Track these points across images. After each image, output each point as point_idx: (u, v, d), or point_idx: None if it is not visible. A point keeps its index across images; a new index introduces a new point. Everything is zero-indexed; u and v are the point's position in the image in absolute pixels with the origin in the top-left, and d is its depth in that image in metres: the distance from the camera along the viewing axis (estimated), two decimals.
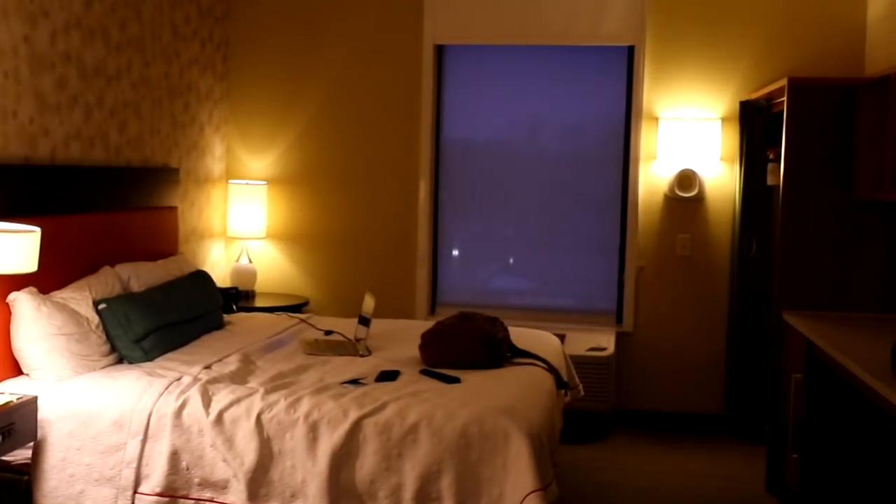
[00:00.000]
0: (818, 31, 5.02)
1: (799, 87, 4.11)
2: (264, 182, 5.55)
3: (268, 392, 3.17)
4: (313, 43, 5.51)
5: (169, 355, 3.69)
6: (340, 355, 3.83)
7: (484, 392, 3.24)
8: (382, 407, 3.06)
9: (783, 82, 4.21)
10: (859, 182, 3.98)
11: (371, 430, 2.99)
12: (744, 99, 5.04)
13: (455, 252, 5.61)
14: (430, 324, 3.91)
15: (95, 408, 3.13)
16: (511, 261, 5.57)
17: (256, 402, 3.10)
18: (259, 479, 3.01)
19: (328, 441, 2.99)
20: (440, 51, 5.49)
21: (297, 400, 3.10)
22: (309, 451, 3.00)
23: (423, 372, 3.53)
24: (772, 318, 4.31)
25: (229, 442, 3.04)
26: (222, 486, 3.04)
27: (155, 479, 3.05)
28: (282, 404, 3.08)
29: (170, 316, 3.83)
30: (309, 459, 3.00)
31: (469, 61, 5.48)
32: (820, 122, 4.11)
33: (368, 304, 4.03)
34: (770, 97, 4.79)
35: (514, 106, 5.46)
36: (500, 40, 5.34)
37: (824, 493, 3.77)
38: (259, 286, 5.55)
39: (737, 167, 5.06)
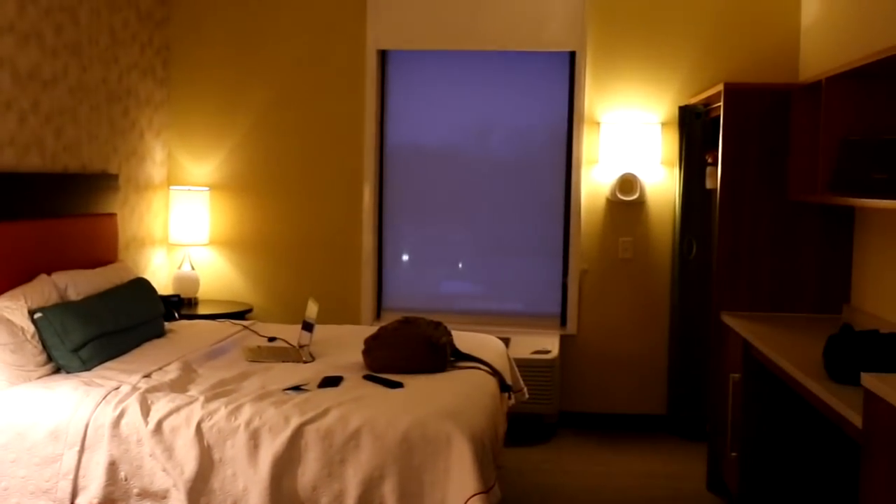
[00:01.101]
0: (754, 38, 5.12)
1: (735, 93, 4.19)
2: (207, 188, 5.49)
3: (208, 400, 3.14)
4: (256, 48, 5.48)
5: (107, 364, 3.63)
6: (283, 362, 3.81)
7: (427, 397, 3.25)
8: (324, 413, 3.05)
9: (720, 87, 4.28)
10: (794, 185, 4.07)
11: (313, 436, 2.98)
12: (682, 104, 5.12)
13: (404, 257, 5.61)
14: (374, 329, 3.91)
15: (30, 419, 3.07)
16: (460, 265, 5.58)
17: (196, 411, 3.07)
18: (200, 488, 2.98)
19: (270, 448, 2.97)
20: (384, 56, 5.49)
21: (238, 407, 3.08)
22: (250, 458, 2.98)
23: (367, 377, 3.52)
24: (711, 320, 4.38)
25: (169, 451, 3.00)
26: (162, 496, 3.00)
27: (92, 490, 3.01)
28: (222, 412, 3.06)
29: (108, 324, 3.77)
30: (250, 467, 2.97)
31: (415, 67, 5.49)
32: (755, 126, 4.19)
33: (312, 309, 4.01)
34: (708, 102, 4.88)
35: (460, 111, 5.48)
36: (442, 45, 5.36)
37: (762, 490, 3.84)
38: (202, 293, 5.49)
39: (677, 171, 5.14)
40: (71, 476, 3.01)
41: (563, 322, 5.41)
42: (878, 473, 2.22)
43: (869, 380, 2.24)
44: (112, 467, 3.02)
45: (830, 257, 4.17)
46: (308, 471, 2.96)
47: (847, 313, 4.12)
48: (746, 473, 3.84)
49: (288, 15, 5.45)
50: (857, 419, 2.42)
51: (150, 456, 3.01)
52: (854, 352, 2.78)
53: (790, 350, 3.30)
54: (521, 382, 4.36)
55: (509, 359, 4.29)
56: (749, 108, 4.19)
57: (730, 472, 4.00)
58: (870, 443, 2.28)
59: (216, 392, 3.25)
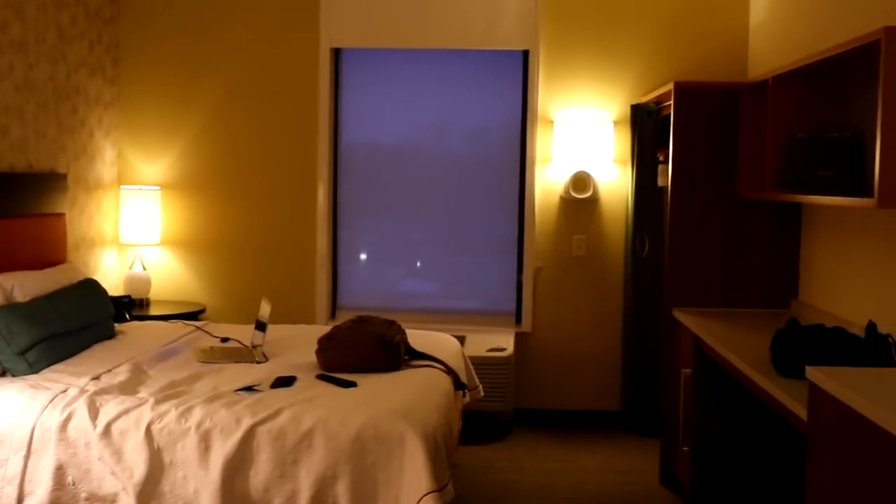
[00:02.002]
0: (704, 37, 5.18)
1: (684, 91, 4.24)
2: (158, 187, 5.43)
3: (158, 402, 3.10)
4: (207, 46, 5.42)
5: (55, 367, 3.57)
6: (236, 362, 3.78)
7: (380, 395, 3.24)
8: (277, 413, 3.03)
9: (670, 86, 4.33)
10: (742, 182, 4.12)
11: (265, 437, 2.96)
12: (634, 102, 5.16)
13: (362, 256, 5.59)
14: (328, 328, 3.89)
15: None
16: (418, 264, 5.57)
17: (146, 413, 3.03)
18: (149, 492, 2.94)
19: (221, 450, 2.94)
20: (338, 54, 5.47)
21: (189, 409, 3.05)
22: (201, 460, 2.95)
23: (320, 377, 3.51)
24: (663, 316, 4.43)
25: (118, 454, 2.97)
26: (111, 500, 2.96)
27: (39, 495, 2.96)
28: (173, 414, 3.03)
29: (56, 326, 3.71)
30: (201, 469, 2.95)
31: (370, 65, 5.47)
32: (705, 124, 4.24)
33: (265, 309, 3.98)
34: (659, 100, 4.93)
35: (416, 109, 5.47)
36: (396, 44, 5.35)
37: (714, 484, 3.89)
38: (154, 294, 5.43)
39: (629, 169, 5.18)
40: (17, 481, 2.96)
41: (519, 320, 5.43)
42: (823, 464, 2.26)
43: (813, 373, 2.28)
44: (59, 472, 2.97)
45: (779, 253, 4.24)
46: (260, 472, 2.94)
47: (795, 308, 4.19)
48: (698, 467, 3.88)
49: (240, 13, 5.40)
50: (802, 412, 2.46)
51: (99, 459, 2.97)
52: (800, 346, 2.82)
53: (739, 345, 3.35)
54: (477, 380, 4.37)
55: (464, 357, 4.30)
56: (699, 107, 4.23)
57: (682, 467, 4.05)
58: (815, 435, 2.32)
59: (167, 394, 3.21)
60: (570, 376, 5.38)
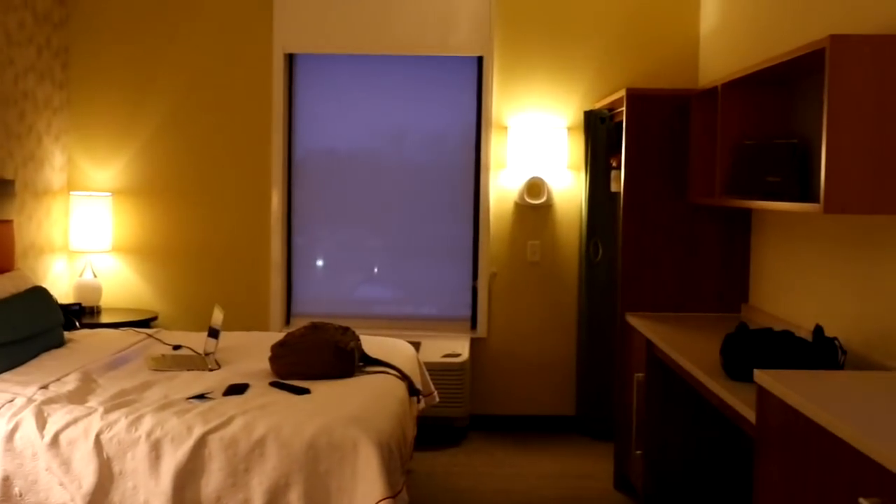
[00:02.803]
0: (656, 45, 5.24)
1: (636, 98, 4.28)
2: (109, 193, 5.36)
3: (108, 411, 3.06)
4: (159, 51, 5.37)
5: (2, 376, 3.50)
6: (188, 370, 3.74)
7: (333, 402, 3.22)
8: (229, 421, 3.01)
9: (622, 93, 4.37)
10: (693, 188, 4.17)
11: (217, 445, 2.93)
12: (588, 109, 5.21)
13: (319, 262, 5.56)
14: (282, 335, 3.87)
15: None
16: (376, 270, 5.55)
17: (95, 422, 2.99)
18: (99, 502, 2.90)
19: (172, 459, 2.91)
20: (292, 59, 5.44)
21: (139, 418, 3.01)
22: (151, 470, 2.91)
23: (273, 384, 3.48)
24: (617, 320, 4.46)
25: (66, 465, 2.92)
26: None
27: None
28: (122, 423, 2.99)
29: (4, 335, 3.65)
30: (152, 479, 2.91)
31: (326, 70, 5.45)
32: (657, 131, 4.29)
33: (217, 316, 3.95)
34: (612, 107, 4.97)
35: (373, 115, 5.46)
36: (351, 49, 5.34)
37: (667, 487, 3.92)
38: (105, 302, 5.36)
39: (583, 175, 5.22)
40: None
41: (474, 325, 5.44)
42: (771, 466, 2.29)
43: (761, 376, 2.31)
44: (6, 483, 2.92)
45: (729, 258, 4.30)
46: (212, 481, 2.91)
47: (746, 312, 4.24)
48: (651, 471, 3.92)
49: (192, 17, 5.36)
50: (751, 415, 2.49)
51: (46, 470, 2.92)
52: (749, 350, 2.86)
53: (690, 349, 3.38)
54: (432, 386, 4.37)
55: (419, 363, 4.30)
56: (650, 114, 4.28)
57: (635, 471, 4.08)
58: (763, 437, 2.35)
59: (116, 402, 3.17)
60: (526, 381, 5.39)
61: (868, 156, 2.72)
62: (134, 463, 2.92)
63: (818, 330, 2.88)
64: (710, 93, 4.02)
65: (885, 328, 2.93)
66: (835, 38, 2.70)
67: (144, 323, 5.01)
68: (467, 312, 5.47)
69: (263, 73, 5.36)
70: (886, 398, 2.06)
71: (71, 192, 5.32)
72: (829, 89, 2.71)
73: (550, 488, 4.38)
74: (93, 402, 3.20)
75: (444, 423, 5.15)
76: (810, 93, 3.54)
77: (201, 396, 3.28)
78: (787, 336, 2.91)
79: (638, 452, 3.99)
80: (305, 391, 3.37)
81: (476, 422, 5.36)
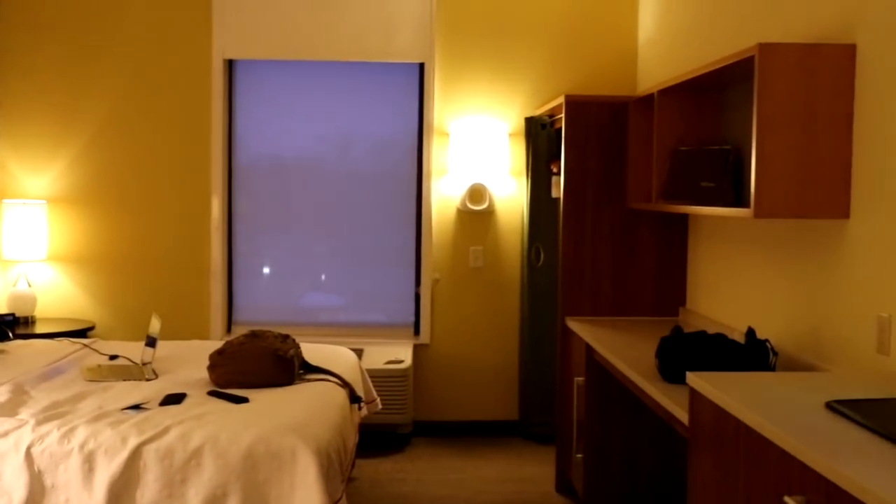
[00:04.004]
0: (596, 52, 5.30)
1: (575, 104, 4.32)
2: (44, 201, 5.25)
3: (39, 423, 3.00)
4: (95, 54, 5.28)
5: None
6: (125, 380, 3.68)
7: (272, 411, 3.20)
8: (164, 432, 2.96)
9: (561, 99, 4.41)
10: (631, 193, 4.22)
11: (152, 456, 2.89)
12: (528, 115, 5.24)
13: (265, 269, 5.50)
14: (221, 344, 3.82)
15: None
16: (323, 277, 5.51)
17: (26, 435, 2.92)
18: None
19: (106, 471, 2.86)
20: (232, 65, 5.40)
21: (72, 429, 2.95)
22: (85, 482, 2.86)
23: (211, 393, 3.44)
24: (558, 325, 4.50)
25: None
26: None
27: None
28: (55, 435, 2.93)
29: None
30: (85, 491, 2.86)
31: (268, 76, 5.41)
32: (596, 137, 4.33)
33: (154, 325, 3.89)
34: (552, 113, 5.02)
35: (317, 122, 5.43)
36: (292, 55, 5.31)
37: (607, 490, 3.96)
38: (39, 311, 5.25)
39: (525, 181, 5.25)
40: None
41: (417, 332, 5.44)
42: (703, 466, 2.32)
43: (693, 379, 2.35)
44: None
45: (667, 262, 4.36)
46: (147, 493, 2.86)
47: (683, 315, 4.31)
48: (591, 474, 3.95)
49: (129, 21, 5.28)
50: (684, 416, 2.53)
51: None
52: (683, 352, 2.90)
53: (628, 352, 3.42)
54: (374, 393, 4.36)
55: (361, 369, 4.28)
56: (589, 120, 4.32)
57: (576, 474, 4.11)
58: (695, 438, 2.38)
59: (49, 414, 3.10)
60: (469, 387, 5.41)
61: (795, 162, 2.78)
62: (66, 476, 2.87)
63: (750, 332, 2.94)
64: (647, 100, 4.08)
65: (815, 329, 3.00)
66: (763, 47, 2.76)
67: (81, 333, 4.92)
68: (411, 319, 5.47)
69: (202, 78, 5.31)
70: (813, 398, 2.11)
71: (3, 200, 5.21)
72: (758, 96, 2.77)
73: (493, 493, 4.39)
74: (24, 414, 3.13)
75: (387, 429, 5.14)
76: (742, 100, 3.61)
77: (137, 407, 3.23)
78: (721, 339, 2.96)
79: (579, 456, 4.02)
80: (244, 400, 3.34)
81: (420, 428, 5.36)
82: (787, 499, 1.76)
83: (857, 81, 2.76)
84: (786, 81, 2.76)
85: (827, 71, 2.77)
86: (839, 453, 1.67)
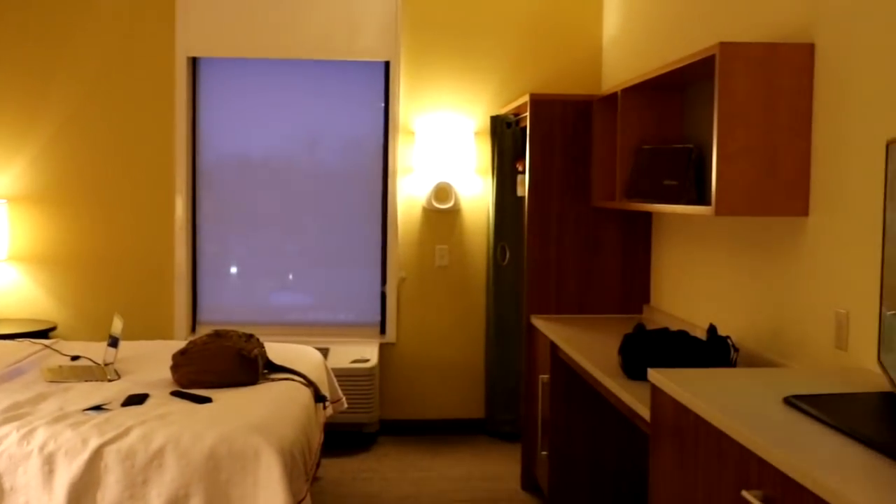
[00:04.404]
0: (562, 50, 5.32)
1: (540, 103, 4.34)
2: (4, 200, 5.18)
3: None
4: (57, 52, 5.22)
5: None
6: (86, 381, 3.64)
7: (235, 411, 3.18)
8: (126, 432, 2.94)
9: (526, 98, 4.42)
10: (596, 192, 4.25)
11: (113, 457, 2.86)
12: (494, 114, 5.25)
13: (233, 269, 5.46)
14: (184, 344, 3.80)
15: None
16: (290, 276, 5.47)
17: None
18: None
19: (66, 473, 2.83)
20: (196, 63, 5.36)
21: (32, 431, 2.92)
22: (45, 485, 2.83)
23: (174, 393, 3.42)
24: (523, 323, 4.51)
25: None
26: None
27: None
28: (14, 437, 2.89)
29: None
30: (45, 494, 2.82)
31: (234, 74, 5.37)
32: (560, 135, 4.35)
33: (117, 325, 3.86)
34: (518, 112, 5.03)
35: (283, 120, 5.40)
36: (256, 54, 5.28)
37: (572, 487, 3.98)
38: (0, 312, 5.17)
39: (490, 179, 5.26)
40: None
41: (383, 331, 5.43)
42: (664, 461, 2.34)
43: (654, 375, 2.37)
44: None
45: (631, 260, 4.39)
46: (108, 494, 2.83)
47: (647, 313, 4.34)
48: (556, 471, 3.97)
49: (91, 19, 5.22)
50: (646, 412, 2.55)
51: None
52: (645, 349, 2.92)
53: (592, 350, 3.44)
54: (340, 392, 4.35)
55: (327, 369, 4.27)
56: (553, 119, 4.34)
57: (541, 471, 4.13)
58: (656, 434, 2.40)
59: (8, 416, 3.06)
60: (435, 385, 5.41)
61: (755, 160, 2.81)
62: (26, 478, 2.83)
63: (712, 329, 2.96)
64: (611, 98, 4.10)
65: (775, 326, 3.03)
66: (723, 46, 2.79)
67: (42, 334, 4.87)
68: (377, 318, 5.46)
69: (166, 76, 5.26)
70: (772, 394, 2.13)
71: None
72: (719, 95, 2.79)
73: (458, 491, 4.40)
74: None
75: (353, 428, 5.13)
76: (704, 99, 3.65)
77: (98, 408, 3.19)
78: (683, 336, 2.98)
79: (544, 453, 4.04)
80: (207, 400, 3.32)
81: (386, 427, 5.35)
82: (744, 493, 1.77)
83: (816, 80, 2.79)
84: (746, 80, 2.79)
85: (786, 70, 2.80)
86: (796, 448, 1.70)
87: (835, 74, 2.69)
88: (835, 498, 1.46)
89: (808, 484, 1.55)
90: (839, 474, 1.53)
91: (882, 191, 2.44)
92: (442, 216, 5.36)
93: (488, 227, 5.31)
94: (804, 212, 2.83)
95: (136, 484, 2.85)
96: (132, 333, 5.21)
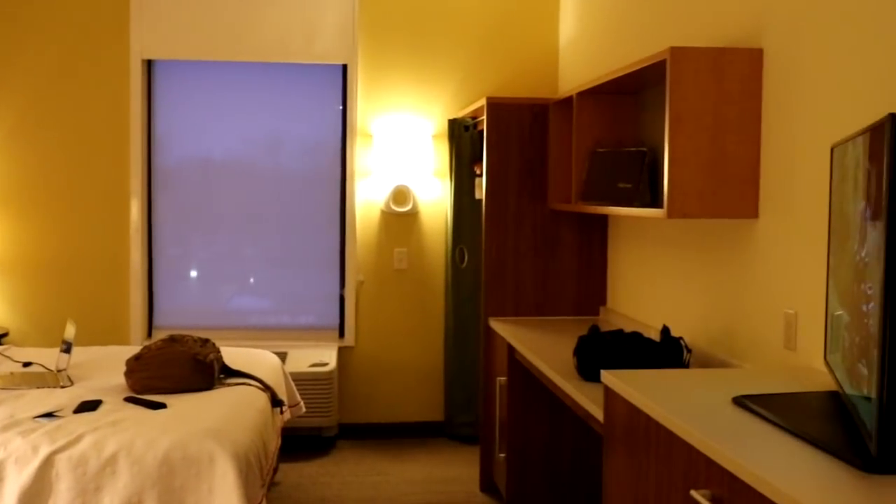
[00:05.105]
0: (519, 54, 5.35)
1: (496, 106, 4.35)
2: None
3: None
4: (9, 55, 5.14)
5: None
6: (38, 388, 3.59)
7: (190, 416, 3.15)
8: (78, 440, 2.90)
9: (483, 101, 4.44)
10: (552, 194, 4.27)
11: (64, 465, 2.83)
12: (452, 117, 5.27)
13: (191, 273, 5.40)
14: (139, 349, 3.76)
15: None
16: (252, 280, 5.43)
17: None
18: None
19: (16, 481, 2.79)
20: (152, 66, 5.30)
21: None
22: None
23: (128, 399, 3.38)
24: (481, 326, 4.52)
25: None
26: None
27: None
28: None
29: None
30: None
31: (193, 77, 5.32)
32: (517, 138, 4.37)
33: (70, 331, 3.81)
34: (475, 115, 5.05)
35: (244, 123, 5.37)
36: (212, 56, 5.24)
37: (530, 488, 3.99)
38: None
39: (448, 182, 5.27)
40: None
41: (342, 334, 5.41)
42: (617, 461, 2.36)
43: (607, 377, 2.39)
44: None
45: (588, 262, 4.42)
46: (60, 502, 2.80)
47: (604, 314, 4.37)
48: (513, 473, 3.98)
49: (44, 20, 5.15)
50: (599, 413, 2.57)
51: None
52: (600, 351, 2.95)
53: (548, 352, 3.46)
54: (298, 396, 4.33)
55: (284, 373, 4.25)
56: (510, 122, 4.36)
57: (499, 473, 4.14)
58: (609, 434, 2.42)
59: None
60: (394, 388, 5.41)
61: (706, 163, 2.85)
62: None
63: (665, 330, 3.00)
64: (567, 102, 4.13)
65: (727, 326, 3.07)
66: (674, 50, 2.82)
67: None
68: (336, 321, 5.44)
69: (121, 79, 5.20)
70: (722, 394, 2.16)
71: None
72: (670, 99, 2.83)
73: (417, 494, 4.40)
74: None
75: (312, 432, 5.11)
76: (658, 102, 3.69)
77: (50, 415, 3.15)
78: (636, 337, 3.01)
79: (502, 455, 4.05)
80: (161, 405, 3.29)
81: (345, 430, 5.34)
82: (693, 493, 1.80)
83: (765, 85, 2.84)
84: (696, 84, 2.82)
85: (736, 74, 2.84)
86: (742, 447, 1.72)
87: (782, 79, 2.73)
88: (779, 497, 1.49)
89: (754, 483, 1.58)
90: (784, 473, 1.56)
91: (828, 193, 2.49)
92: (400, 219, 5.36)
93: (447, 230, 5.32)
94: (754, 214, 2.88)
95: (88, 491, 2.82)
96: (86, 339, 5.15)
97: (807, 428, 1.80)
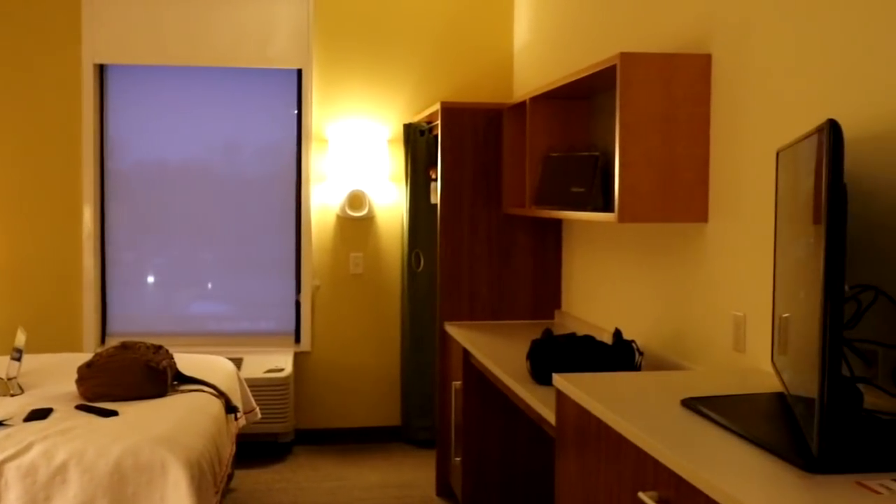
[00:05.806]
0: (474, 59, 5.37)
1: (451, 111, 4.37)
2: None
3: None
4: None
5: None
6: None
7: (142, 423, 3.13)
8: (27, 448, 2.87)
9: (438, 106, 4.45)
10: (507, 199, 4.30)
11: (13, 474, 2.79)
12: (407, 122, 5.27)
13: (147, 278, 5.34)
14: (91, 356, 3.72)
15: None
16: (210, 286, 5.38)
17: None
18: None
19: None
20: (104, 71, 5.24)
21: None
22: None
23: (79, 407, 3.34)
24: (437, 330, 4.53)
25: None
26: None
27: None
28: None
29: None
30: None
31: (147, 82, 5.27)
32: (471, 143, 4.39)
33: (20, 338, 3.76)
34: (431, 120, 5.06)
35: (199, 128, 5.33)
36: (166, 60, 5.20)
37: (486, 492, 4.01)
38: None
39: (404, 187, 5.28)
40: None
41: (298, 339, 5.39)
42: (568, 464, 2.39)
43: (558, 380, 2.41)
44: None
45: (543, 266, 4.45)
46: None
47: (559, 318, 4.40)
48: (469, 476, 4.00)
49: None
50: (551, 417, 2.59)
51: None
52: (553, 355, 2.97)
53: (503, 356, 3.48)
54: (253, 402, 4.31)
55: (239, 379, 4.23)
56: (465, 126, 4.38)
57: (455, 477, 4.15)
58: (561, 437, 2.44)
59: None
60: (351, 393, 5.39)
61: (656, 168, 2.88)
62: None
63: (617, 333, 3.03)
64: (520, 107, 4.16)
65: (678, 329, 3.11)
66: (624, 56, 2.86)
67: None
68: (292, 326, 5.42)
69: (72, 83, 5.14)
70: (670, 396, 2.19)
71: None
72: (620, 104, 2.86)
73: (373, 499, 4.40)
74: None
75: (268, 438, 5.08)
76: (609, 107, 3.73)
77: None
78: (589, 340, 3.04)
79: (458, 459, 4.07)
80: (113, 413, 3.25)
81: (301, 436, 5.32)
82: (640, 494, 1.82)
83: (713, 90, 2.88)
84: (646, 89, 2.86)
85: (684, 79, 2.89)
86: (689, 449, 1.75)
87: (730, 84, 2.78)
88: (724, 498, 1.51)
89: (700, 485, 1.60)
90: (730, 475, 1.59)
91: (773, 198, 2.54)
92: (356, 224, 5.35)
93: (402, 235, 5.32)
94: (703, 218, 2.92)
95: (37, 500, 2.78)
96: (38, 346, 5.07)
97: (752, 429, 1.83)
